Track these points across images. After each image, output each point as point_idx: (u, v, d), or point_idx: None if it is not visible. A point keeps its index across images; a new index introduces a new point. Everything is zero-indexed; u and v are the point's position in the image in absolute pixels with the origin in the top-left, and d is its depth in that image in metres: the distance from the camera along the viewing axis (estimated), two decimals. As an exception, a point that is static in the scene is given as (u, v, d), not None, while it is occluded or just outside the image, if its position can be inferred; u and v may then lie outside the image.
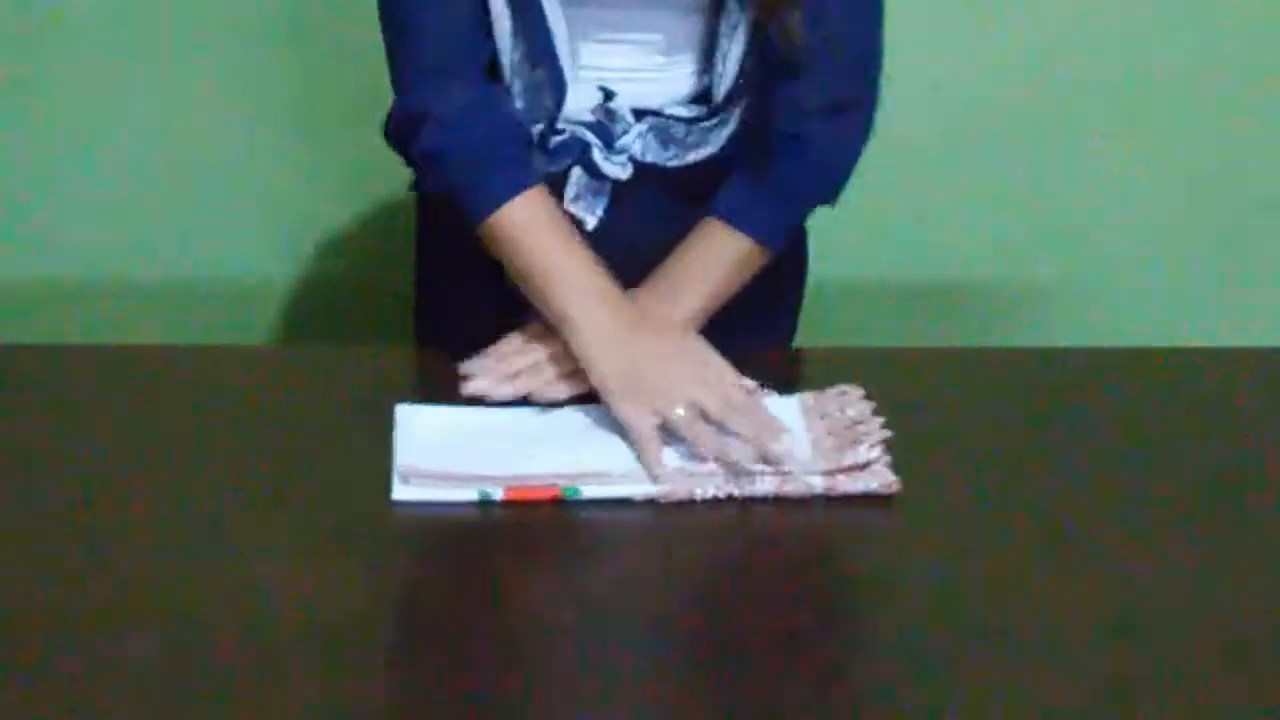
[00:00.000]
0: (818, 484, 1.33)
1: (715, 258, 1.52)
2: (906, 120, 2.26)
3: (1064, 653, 1.15)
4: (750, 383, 1.44)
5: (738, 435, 1.36)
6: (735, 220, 1.52)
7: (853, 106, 1.55)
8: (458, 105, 1.49)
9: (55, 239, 2.34)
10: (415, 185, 1.62)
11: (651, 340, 1.44)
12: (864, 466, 1.35)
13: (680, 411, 1.37)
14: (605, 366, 1.41)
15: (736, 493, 1.33)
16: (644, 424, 1.37)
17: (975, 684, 1.12)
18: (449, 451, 1.35)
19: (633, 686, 1.13)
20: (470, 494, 1.31)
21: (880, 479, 1.34)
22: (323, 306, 2.40)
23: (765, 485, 1.33)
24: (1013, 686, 1.12)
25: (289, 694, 1.09)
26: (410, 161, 1.55)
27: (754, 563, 1.30)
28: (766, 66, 1.51)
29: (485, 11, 1.48)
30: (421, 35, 1.50)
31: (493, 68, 1.52)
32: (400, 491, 1.32)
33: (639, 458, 1.36)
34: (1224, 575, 1.26)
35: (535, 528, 1.30)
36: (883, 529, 1.32)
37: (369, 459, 1.36)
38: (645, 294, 1.50)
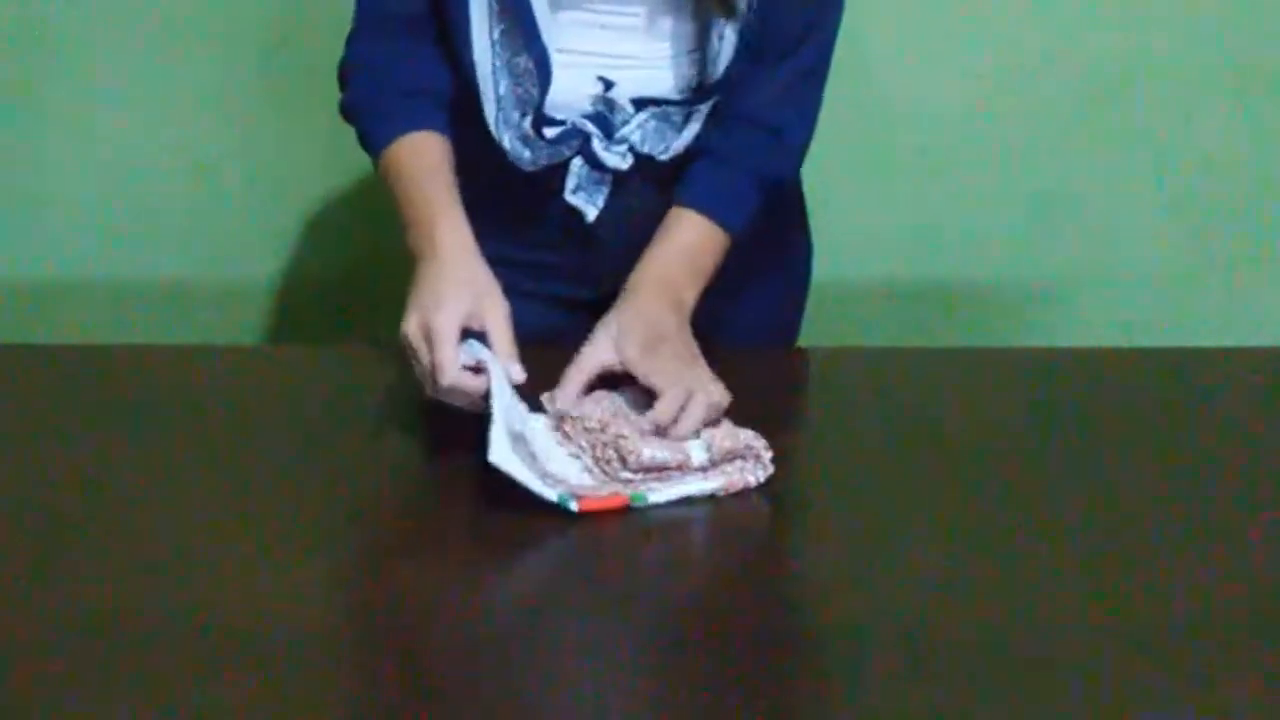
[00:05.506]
0: (709, 483, 1.33)
1: (698, 251, 1.52)
2: (907, 120, 2.29)
3: (1064, 651, 1.15)
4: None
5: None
6: (707, 208, 1.52)
7: (809, 80, 1.56)
8: (378, 57, 1.55)
9: (55, 239, 2.34)
10: None
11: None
12: (752, 454, 1.34)
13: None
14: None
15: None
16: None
17: (977, 683, 1.12)
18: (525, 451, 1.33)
19: (639, 687, 1.13)
20: (551, 495, 1.28)
21: (764, 469, 1.34)
22: (322, 306, 2.40)
23: (663, 492, 1.32)
24: (1012, 685, 1.12)
25: (287, 694, 1.09)
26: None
27: (757, 560, 1.30)
28: (755, 48, 1.51)
29: None
30: None
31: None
32: (496, 454, 1.26)
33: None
34: (1224, 575, 1.26)
35: (536, 527, 1.30)
36: (882, 527, 1.32)
37: (369, 458, 1.36)
38: (644, 290, 1.48)
